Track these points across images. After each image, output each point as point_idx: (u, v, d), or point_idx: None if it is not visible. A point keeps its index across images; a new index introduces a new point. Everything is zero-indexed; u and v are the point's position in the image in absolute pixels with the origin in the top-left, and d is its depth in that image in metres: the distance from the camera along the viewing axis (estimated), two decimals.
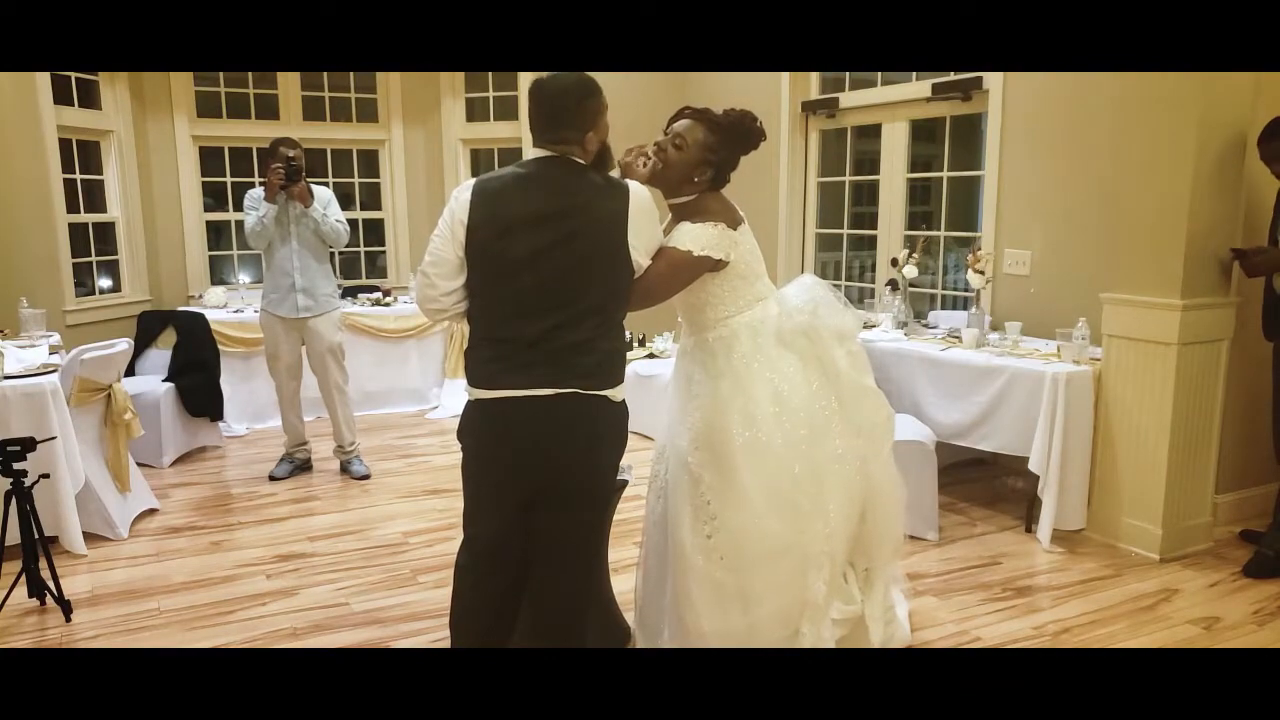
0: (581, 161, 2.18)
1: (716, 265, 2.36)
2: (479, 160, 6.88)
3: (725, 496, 2.38)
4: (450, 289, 2.18)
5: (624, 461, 2.81)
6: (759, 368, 2.41)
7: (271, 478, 4.64)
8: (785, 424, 2.39)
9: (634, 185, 2.18)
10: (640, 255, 2.18)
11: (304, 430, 4.79)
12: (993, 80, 4.52)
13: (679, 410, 2.53)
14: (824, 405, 2.46)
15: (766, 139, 2.49)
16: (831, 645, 2.46)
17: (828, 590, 2.44)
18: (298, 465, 4.76)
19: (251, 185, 6.45)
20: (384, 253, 6.87)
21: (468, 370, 2.20)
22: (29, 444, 2.98)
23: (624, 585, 2.98)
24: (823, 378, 2.47)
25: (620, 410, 2.22)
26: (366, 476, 4.67)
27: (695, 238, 2.31)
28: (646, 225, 2.19)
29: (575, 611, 2.33)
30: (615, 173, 2.31)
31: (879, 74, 5.26)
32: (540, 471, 2.18)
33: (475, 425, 2.21)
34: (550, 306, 2.10)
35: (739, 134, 2.41)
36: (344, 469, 4.73)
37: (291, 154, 4.33)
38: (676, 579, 2.47)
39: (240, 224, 6.46)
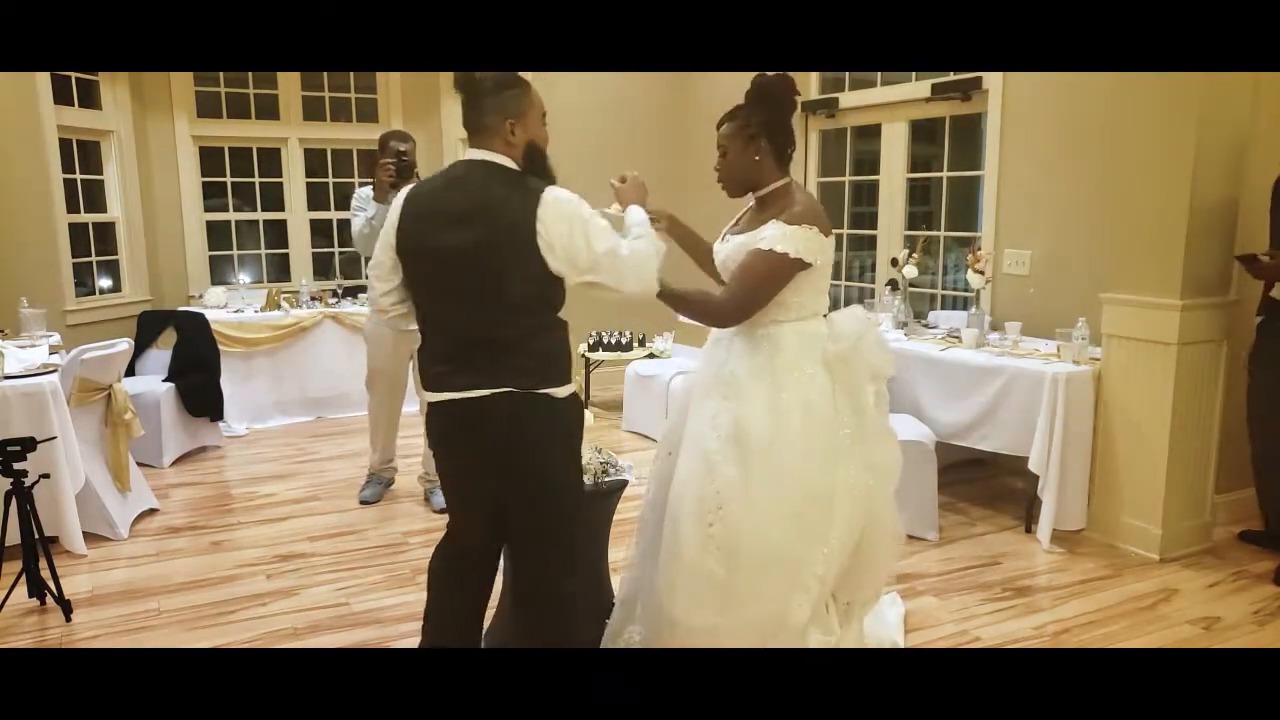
0: (506, 163, 2.15)
1: (802, 269, 2.34)
2: None
3: (737, 492, 2.36)
4: (386, 290, 2.27)
5: (624, 461, 2.82)
6: (797, 377, 2.40)
7: (363, 502, 4.32)
8: (808, 439, 2.39)
9: (552, 189, 2.11)
10: (556, 260, 2.08)
11: (394, 449, 4.45)
12: (992, 80, 4.52)
13: (706, 397, 2.48)
14: (845, 434, 2.45)
15: (793, 81, 2.45)
16: None
17: (810, 615, 2.42)
18: (386, 485, 4.46)
19: (252, 185, 6.52)
20: None
21: (419, 372, 2.27)
22: (29, 444, 2.98)
23: None
24: (848, 408, 2.46)
25: (567, 404, 2.20)
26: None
27: (791, 240, 2.29)
28: (559, 228, 2.07)
29: (560, 611, 2.32)
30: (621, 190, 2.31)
31: (879, 74, 5.26)
32: (496, 473, 2.22)
33: (432, 429, 2.26)
34: (474, 306, 2.12)
35: (762, 96, 2.41)
36: (426, 498, 4.33)
37: (403, 148, 3.96)
38: (665, 563, 2.44)
39: (240, 224, 6.52)
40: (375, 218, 3.93)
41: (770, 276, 2.31)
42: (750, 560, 2.36)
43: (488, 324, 2.11)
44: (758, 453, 2.35)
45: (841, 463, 2.42)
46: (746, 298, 2.32)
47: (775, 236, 2.30)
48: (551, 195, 2.10)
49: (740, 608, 2.37)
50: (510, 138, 2.15)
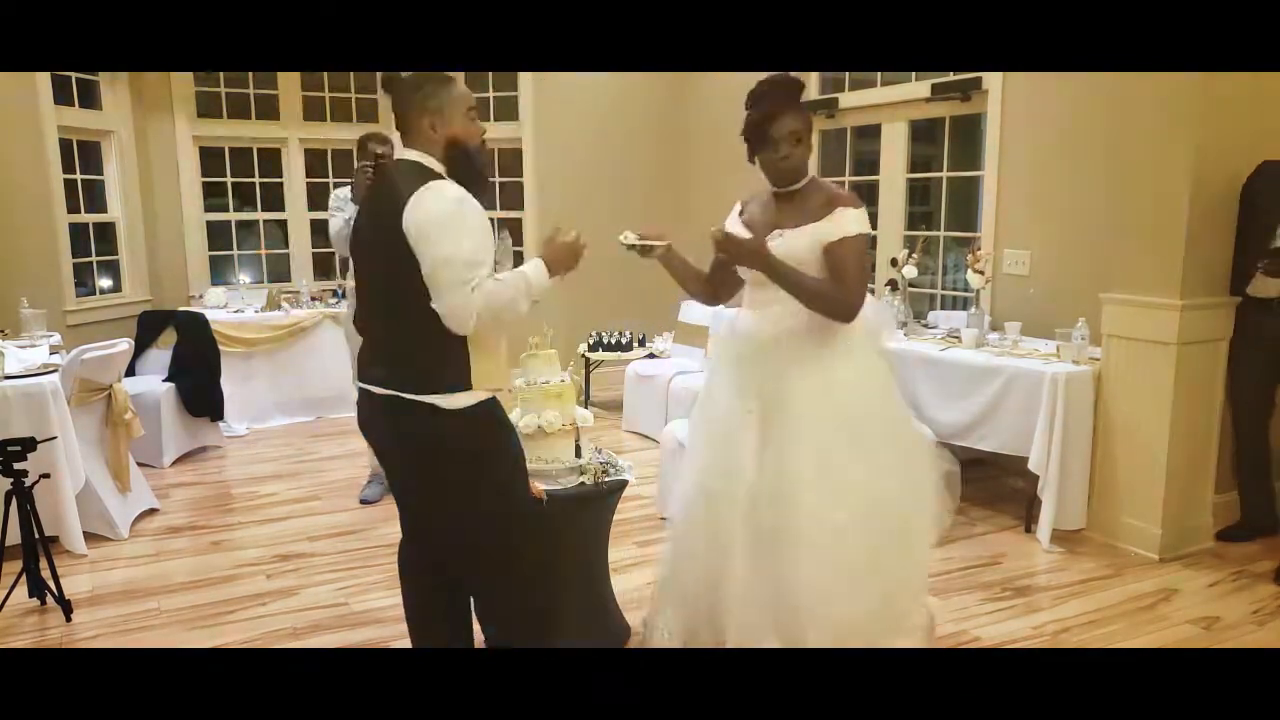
0: (426, 161, 2.11)
1: None
2: None
3: (861, 473, 2.37)
4: (354, 286, 2.43)
5: (624, 461, 2.82)
6: (864, 350, 2.47)
7: (363, 501, 4.30)
8: (892, 405, 2.48)
9: (435, 183, 2.03)
10: (429, 260, 1.99)
11: None
12: (992, 80, 4.52)
13: (799, 385, 2.41)
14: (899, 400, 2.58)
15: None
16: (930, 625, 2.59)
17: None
18: (388, 486, 4.50)
19: (252, 185, 6.52)
20: None
21: None
22: (29, 444, 2.98)
23: (624, 585, 2.98)
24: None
25: (463, 416, 2.09)
26: None
27: (860, 221, 2.36)
28: (417, 218, 1.99)
29: (514, 629, 2.29)
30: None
31: (879, 74, 5.26)
32: (396, 473, 2.30)
33: (357, 412, 2.32)
34: (377, 304, 2.17)
35: (797, 95, 2.43)
36: None
37: (380, 150, 3.93)
38: (796, 567, 2.38)
39: (240, 224, 6.52)
40: (353, 218, 3.94)
41: (864, 260, 2.40)
42: (882, 532, 2.40)
43: (384, 322, 2.15)
44: (871, 428, 2.40)
45: (910, 424, 2.56)
46: (861, 287, 2.35)
47: (853, 221, 2.34)
48: (427, 187, 2.02)
49: (880, 583, 2.41)
50: (431, 134, 2.12)
